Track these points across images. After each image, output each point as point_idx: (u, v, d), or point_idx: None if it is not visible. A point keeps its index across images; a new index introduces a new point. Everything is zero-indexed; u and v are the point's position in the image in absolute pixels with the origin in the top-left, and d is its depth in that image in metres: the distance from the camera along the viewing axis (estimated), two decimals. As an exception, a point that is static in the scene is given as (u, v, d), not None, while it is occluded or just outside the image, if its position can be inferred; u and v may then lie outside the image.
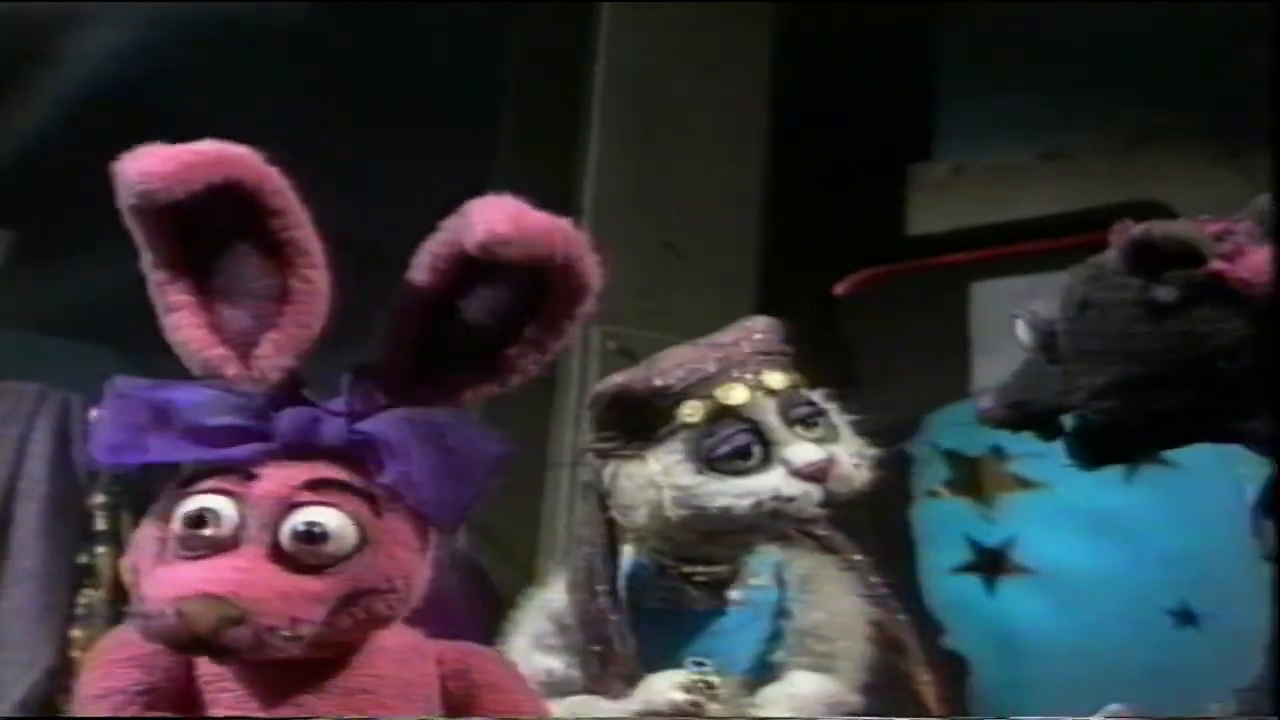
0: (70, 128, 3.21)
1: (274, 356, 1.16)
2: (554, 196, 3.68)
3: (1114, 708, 1.53)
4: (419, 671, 1.21)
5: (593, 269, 1.17)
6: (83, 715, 1.17)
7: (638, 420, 1.56)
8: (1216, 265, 1.34)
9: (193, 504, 1.11)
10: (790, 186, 3.34)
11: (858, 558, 1.64)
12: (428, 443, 1.13)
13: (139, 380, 1.15)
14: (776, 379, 1.57)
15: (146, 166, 1.11)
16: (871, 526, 3.58)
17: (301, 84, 3.36)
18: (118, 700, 1.15)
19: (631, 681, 1.52)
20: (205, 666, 1.16)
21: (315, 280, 1.16)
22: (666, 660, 1.53)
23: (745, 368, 1.58)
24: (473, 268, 1.13)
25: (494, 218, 1.10)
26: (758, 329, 1.65)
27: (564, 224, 1.15)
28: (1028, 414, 1.45)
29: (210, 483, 1.12)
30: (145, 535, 1.15)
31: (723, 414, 1.53)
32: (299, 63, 3.34)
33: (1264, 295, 1.32)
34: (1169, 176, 3.23)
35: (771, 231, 3.29)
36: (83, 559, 2.64)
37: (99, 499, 2.64)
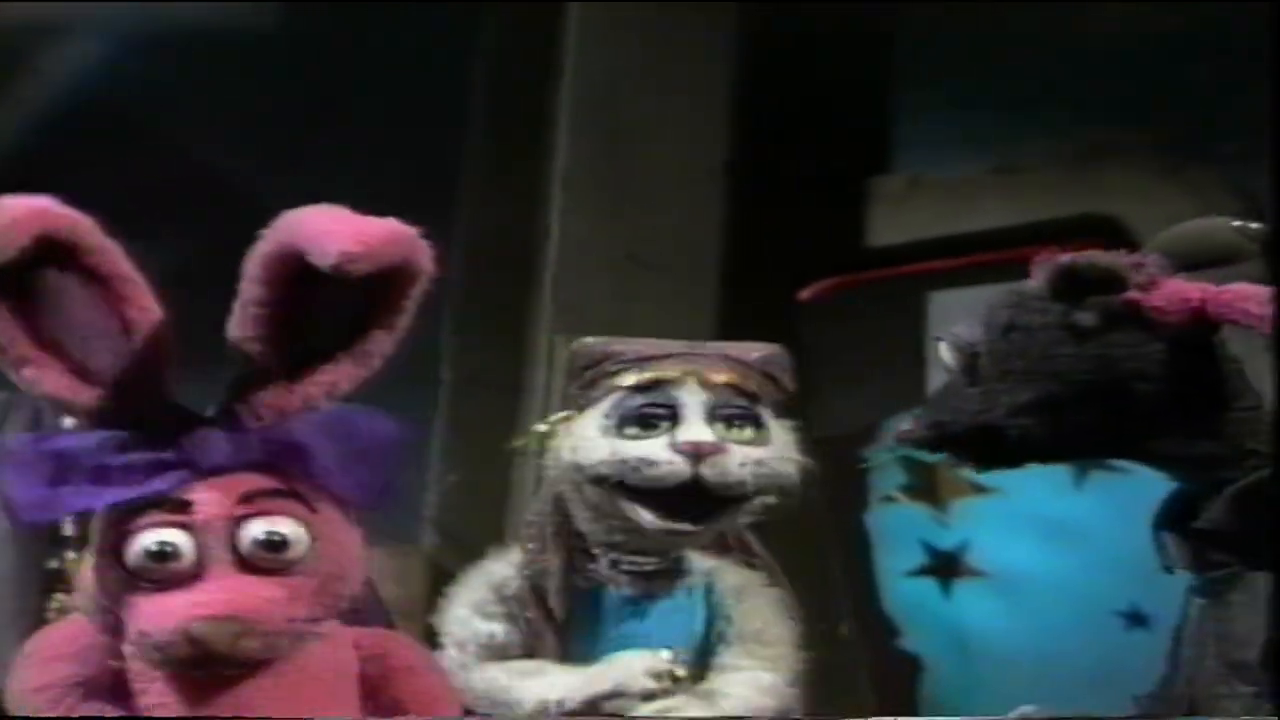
0: (40, 136, 3.21)
1: (140, 385, 1.20)
2: (522, 209, 3.72)
3: (1026, 709, 1.61)
4: (346, 656, 1.28)
5: (426, 257, 1.20)
6: (19, 709, 1.24)
7: (589, 380, 1.61)
8: (1134, 294, 1.42)
9: (148, 540, 1.17)
10: (752, 199, 3.38)
11: (781, 578, 1.69)
12: (330, 437, 1.21)
13: (25, 435, 1.23)
14: (718, 374, 1.61)
15: None
16: (830, 530, 3.66)
17: (269, 90, 3.36)
18: (54, 693, 1.23)
19: (561, 655, 1.58)
20: (133, 660, 1.22)
21: (150, 308, 1.21)
22: (591, 638, 1.59)
23: (698, 361, 1.62)
24: (315, 275, 1.17)
25: (338, 236, 1.13)
26: (757, 347, 1.72)
27: (397, 227, 1.18)
28: (945, 434, 1.51)
29: (150, 518, 1.17)
30: (101, 573, 1.20)
31: (652, 386, 1.58)
32: (266, 69, 3.34)
33: (1177, 323, 1.40)
34: (1116, 191, 3.29)
35: (733, 243, 3.32)
36: (52, 564, 2.65)
37: (70, 504, 2.66)
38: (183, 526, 1.17)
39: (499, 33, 3.39)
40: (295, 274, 1.17)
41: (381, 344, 1.23)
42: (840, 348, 3.62)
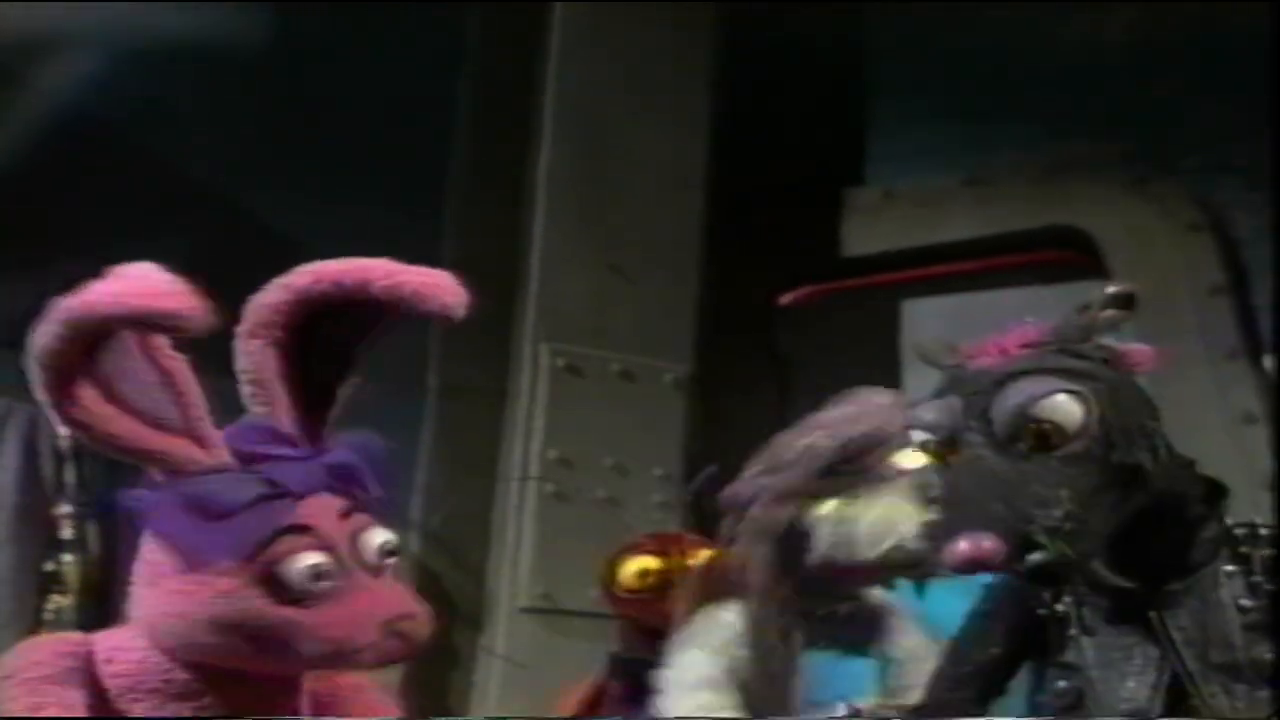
0: (35, 147, 3.23)
1: (209, 426, 1.31)
2: (504, 220, 3.75)
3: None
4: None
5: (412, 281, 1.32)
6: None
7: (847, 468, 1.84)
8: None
9: (305, 563, 1.28)
10: (730, 210, 3.42)
11: None
12: (373, 460, 1.36)
13: (166, 486, 1.29)
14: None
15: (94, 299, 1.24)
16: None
17: (255, 102, 3.35)
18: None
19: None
20: (112, 680, 1.31)
21: (175, 355, 1.31)
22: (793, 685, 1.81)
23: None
24: (313, 309, 1.33)
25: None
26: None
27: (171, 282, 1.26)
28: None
29: (287, 543, 1.28)
30: (241, 595, 1.27)
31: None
32: (251, 81, 3.34)
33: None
34: (1083, 203, 3.35)
35: (712, 253, 3.37)
36: (50, 566, 2.70)
37: (65, 509, 2.71)
38: (320, 549, 1.28)
39: (481, 43, 3.41)
40: (303, 311, 1.33)
41: (366, 356, 1.38)
42: (816, 354, 3.68)
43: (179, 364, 1.30)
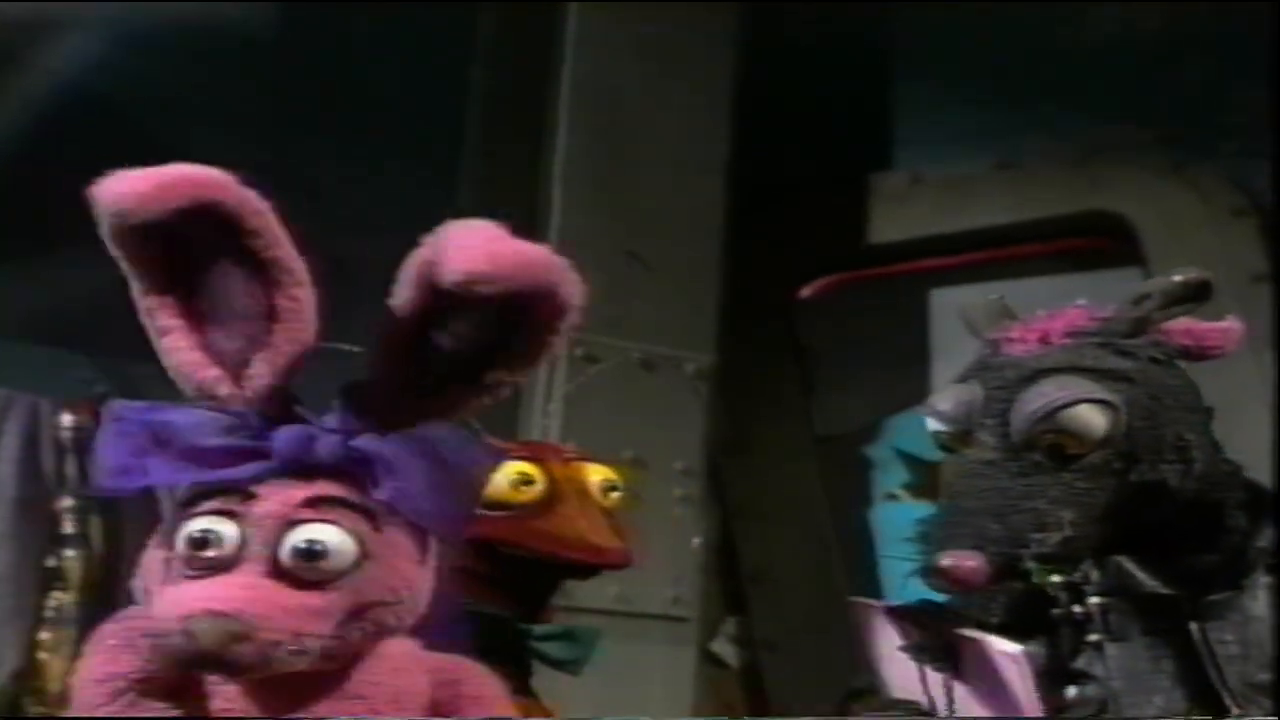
0: (38, 133, 3.19)
1: (265, 376, 1.17)
2: (521, 206, 3.69)
3: None
4: (412, 680, 1.23)
5: (573, 290, 1.17)
6: (78, 698, 1.19)
7: None
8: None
9: (195, 526, 1.12)
10: (752, 196, 3.34)
11: None
12: (421, 457, 1.16)
13: (136, 403, 1.17)
14: None
15: (121, 188, 1.12)
16: (832, 529, 3.64)
17: (266, 87, 3.32)
18: (116, 685, 1.17)
19: None
20: None
21: (302, 299, 1.17)
22: None
23: None
24: (451, 292, 1.13)
25: (470, 254, 1.09)
26: None
27: (540, 253, 1.14)
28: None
29: (211, 504, 1.13)
30: (151, 558, 1.17)
31: None
32: (262, 67, 3.31)
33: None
34: (1119, 187, 3.28)
35: (734, 240, 3.28)
36: (51, 562, 2.64)
37: (67, 503, 2.64)
38: (233, 516, 1.12)
39: (497, 27, 3.34)
40: (433, 291, 1.13)
41: (512, 376, 1.20)
42: (841, 345, 3.61)
43: (296, 307, 1.16)
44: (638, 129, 3.25)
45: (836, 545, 3.45)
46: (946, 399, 1.43)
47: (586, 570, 1.64)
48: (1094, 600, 1.44)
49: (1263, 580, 1.42)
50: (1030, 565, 1.34)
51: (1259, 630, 1.39)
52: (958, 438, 1.41)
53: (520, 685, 1.59)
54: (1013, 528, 1.33)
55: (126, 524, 2.54)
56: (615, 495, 1.66)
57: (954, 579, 1.32)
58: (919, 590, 1.41)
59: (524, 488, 1.60)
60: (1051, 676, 1.46)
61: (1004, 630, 1.46)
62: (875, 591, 3.46)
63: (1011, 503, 1.34)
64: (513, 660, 1.57)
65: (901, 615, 1.43)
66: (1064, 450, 1.34)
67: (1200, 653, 1.39)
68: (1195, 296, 1.42)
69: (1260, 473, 1.51)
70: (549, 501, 1.61)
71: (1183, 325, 1.43)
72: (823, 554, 3.44)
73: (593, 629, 1.72)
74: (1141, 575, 1.42)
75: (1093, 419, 1.34)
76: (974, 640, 1.37)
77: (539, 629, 1.64)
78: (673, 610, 3.06)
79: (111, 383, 2.74)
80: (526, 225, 3.48)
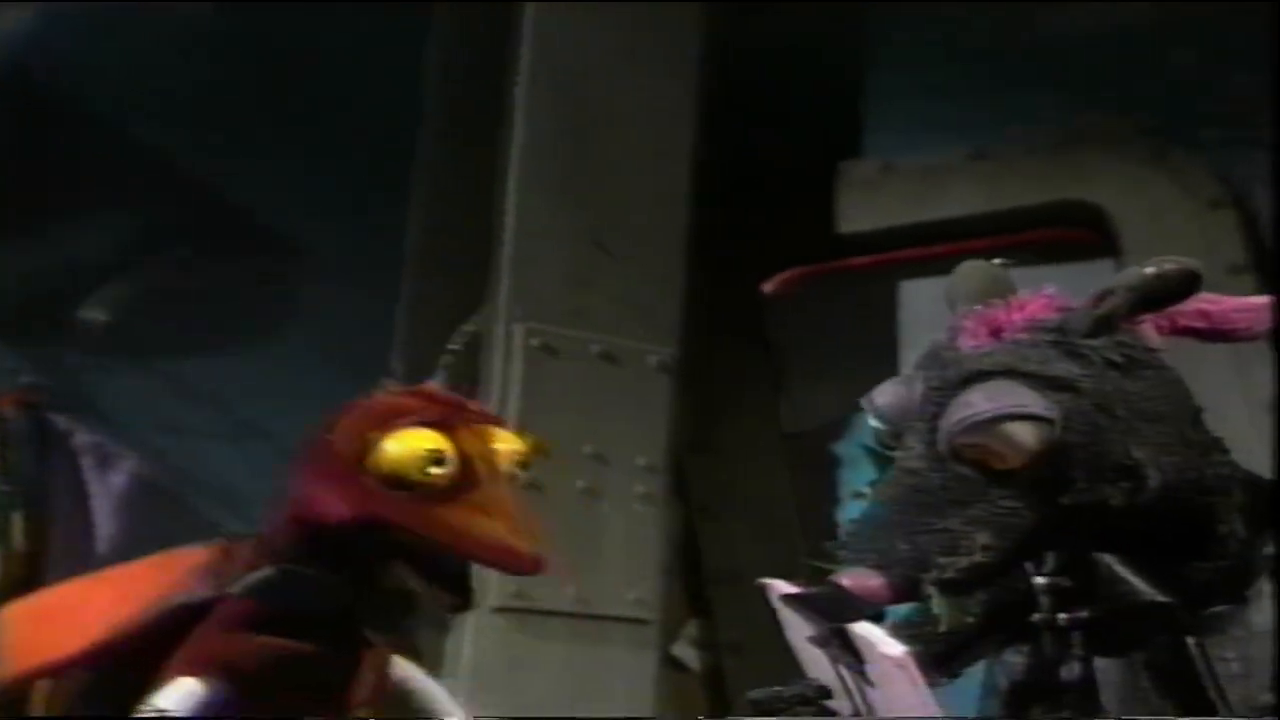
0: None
1: None
2: (479, 190, 3.59)
3: None
4: None
5: None
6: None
7: None
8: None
9: None
10: (719, 183, 3.26)
11: None
12: None
13: None
14: None
15: None
16: (800, 528, 3.56)
17: (220, 67, 3.27)
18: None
19: None
20: None
21: None
22: None
23: None
24: None
25: None
26: None
27: None
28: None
29: None
30: None
31: None
32: (218, 43, 3.25)
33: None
34: (1097, 177, 3.23)
35: (700, 229, 3.21)
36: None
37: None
38: None
39: (455, 17, 3.28)
40: None
41: None
42: (809, 339, 3.55)
43: None
44: (600, 112, 3.17)
45: (804, 545, 3.38)
46: (885, 393, 1.37)
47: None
48: (1082, 612, 1.36)
49: (1266, 590, 1.33)
50: (930, 591, 1.27)
51: (1262, 647, 1.30)
52: (893, 435, 1.35)
53: (347, 635, 1.50)
54: (920, 548, 1.26)
55: (51, 522, 2.44)
56: (522, 469, 1.53)
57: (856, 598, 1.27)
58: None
59: (434, 468, 1.43)
60: (1026, 690, 1.37)
61: (982, 634, 1.37)
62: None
63: (925, 520, 1.26)
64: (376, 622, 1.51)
65: (801, 603, 1.34)
66: (989, 465, 1.26)
67: (1199, 670, 1.29)
68: (1176, 290, 1.31)
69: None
70: (460, 485, 1.45)
71: (1198, 305, 1.34)
72: (790, 554, 3.38)
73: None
74: (1135, 581, 1.33)
75: (1021, 435, 1.26)
76: (862, 637, 1.31)
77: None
78: (633, 612, 3.01)
79: (39, 373, 2.63)
80: (483, 211, 3.42)
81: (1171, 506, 1.30)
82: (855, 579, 1.26)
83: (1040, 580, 1.37)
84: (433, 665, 2.93)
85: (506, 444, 1.51)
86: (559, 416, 3.02)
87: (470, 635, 2.94)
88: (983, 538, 1.25)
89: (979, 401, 1.26)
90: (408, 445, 1.41)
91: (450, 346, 1.52)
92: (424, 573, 1.48)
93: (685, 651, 3.35)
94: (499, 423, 1.55)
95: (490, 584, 2.94)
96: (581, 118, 3.16)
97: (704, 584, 3.40)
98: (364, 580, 1.49)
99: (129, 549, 2.70)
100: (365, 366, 2.91)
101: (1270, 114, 2.77)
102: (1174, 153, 3.21)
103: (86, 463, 2.53)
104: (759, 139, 3.39)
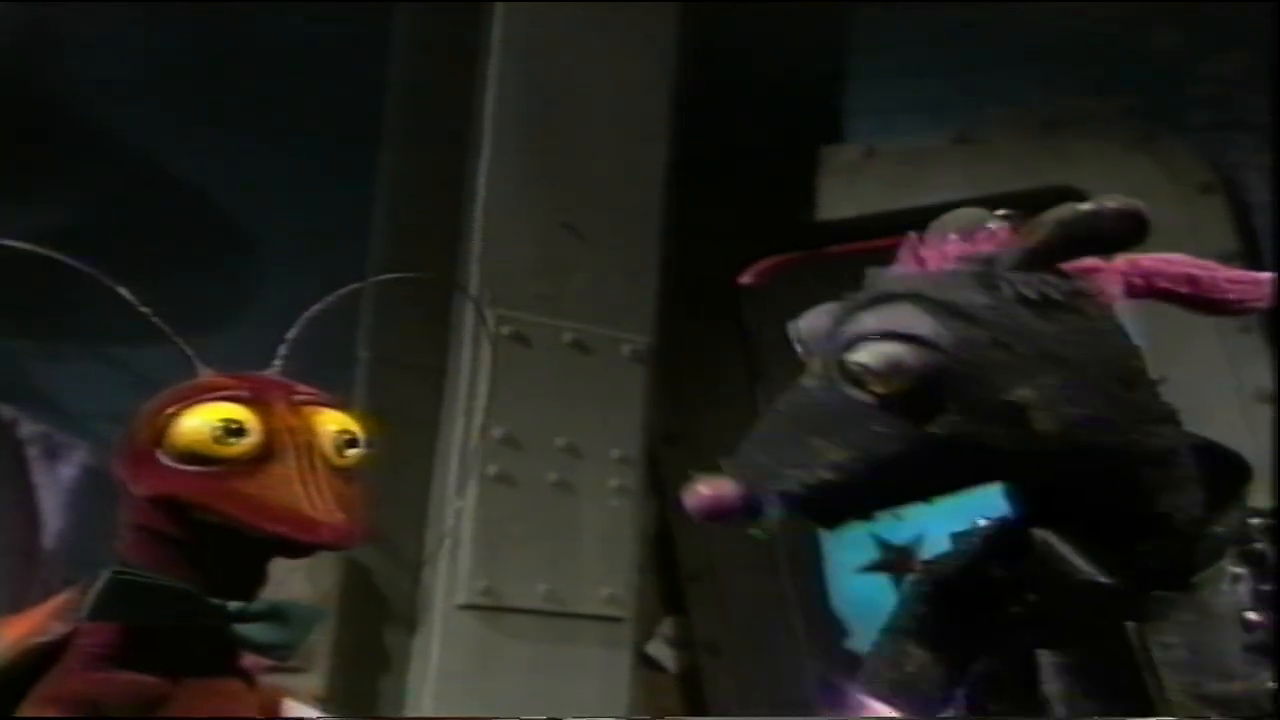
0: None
1: None
2: (445, 173, 3.49)
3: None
4: None
5: None
6: None
7: None
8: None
9: None
10: (696, 167, 3.19)
11: None
12: None
13: None
14: None
15: None
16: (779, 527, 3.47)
17: (177, 40, 3.18)
18: None
19: None
20: None
21: None
22: None
23: None
24: None
25: None
26: None
27: None
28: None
29: None
30: None
31: None
32: (172, 18, 3.15)
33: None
34: (1083, 161, 3.18)
35: (676, 214, 3.13)
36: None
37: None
38: None
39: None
40: None
41: None
42: (787, 326, 3.48)
43: None
44: (573, 91, 3.10)
45: (781, 541, 3.31)
46: (809, 317, 1.32)
47: (298, 548, 1.33)
48: (1031, 596, 1.26)
49: (1232, 574, 1.23)
50: (773, 505, 1.21)
51: (1221, 634, 1.20)
52: (809, 358, 1.29)
53: (220, 666, 1.36)
54: (782, 459, 1.21)
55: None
56: (353, 452, 1.37)
57: (708, 509, 1.22)
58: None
59: (230, 439, 1.30)
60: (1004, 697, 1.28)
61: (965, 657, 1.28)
62: (821, 593, 3.34)
63: (793, 433, 1.22)
64: (208, 641, 1.34)
65: None
66: (867, 386, 1.21)
67: (1137, 660, 1.20)
68: (1113, 231, 1.21)
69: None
70: (261, 458, 1.31)
71: (1186, 269, 1.25)
72: (767, 551, 3.32)
73: (313, 609, 1.44)
74: (1075, 560, 1.23)
75: (895, 355, 1.20)
76: None
77: (235, 606, 1.35)
78: (607, 610, 2.94)
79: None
80: (450, 193, 3.33)
81: (1091, 469, 1.21)
82: (710, 487, 1.21)
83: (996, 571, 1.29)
84: (399, 665, 2.88)
85: (333, 422, 1.38)
86: (530, 407, 2.95)
87: (437, 634, 2.86)
88: (835, 455, 1.19)
89: (869, 322, 1.22)
90: (202, 417, 1.31)
91: (288, 336, 1.36)
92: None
93: (660, 650, 3.32)
94: (332, 404, 1.39)
95: (459, 581, 2.87)
96: (553, 97, 3.09)
97: (680, 581, 3.36)
98: (221, 583, 1.35)
99: (78, 544, 2.61)
100: (327, 354, 2.82)
101: (1270, 98, 2.71)
102: (1161, 137, 3.17)
103: (32, 453, 2.42)
104: (739, 120, 3.34)
